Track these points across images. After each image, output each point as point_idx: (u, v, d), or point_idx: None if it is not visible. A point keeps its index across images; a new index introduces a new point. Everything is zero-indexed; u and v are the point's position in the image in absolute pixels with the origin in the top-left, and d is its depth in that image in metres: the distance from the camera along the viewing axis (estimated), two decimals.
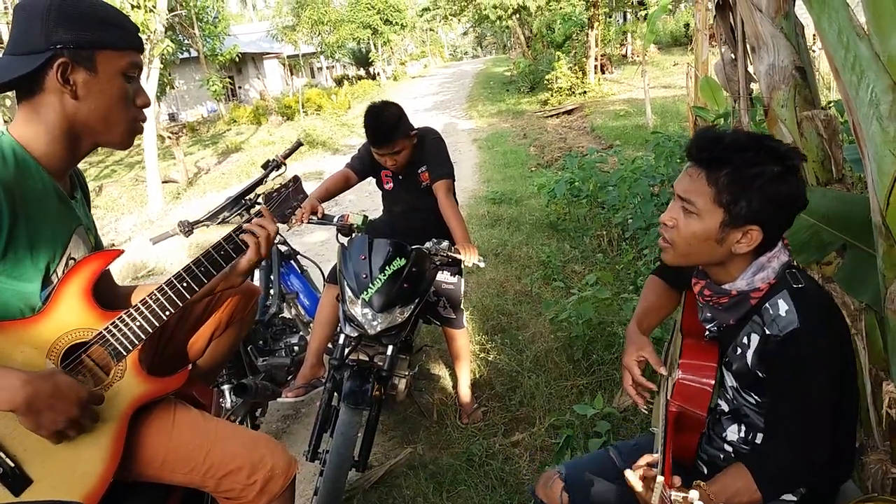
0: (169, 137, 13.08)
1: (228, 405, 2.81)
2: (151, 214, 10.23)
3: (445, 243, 2.61)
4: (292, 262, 3.57)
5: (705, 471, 1.56)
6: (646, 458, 1.25)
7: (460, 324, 3.10)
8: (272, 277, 3.38)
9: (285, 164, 3.00)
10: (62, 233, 1.38)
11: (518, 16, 21.11)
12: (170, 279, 1.46)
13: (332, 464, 2.28)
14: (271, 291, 3.38)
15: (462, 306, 3.10)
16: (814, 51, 6.70)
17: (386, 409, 3.15)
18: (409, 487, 2.71)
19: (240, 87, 29.92)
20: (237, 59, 23.58)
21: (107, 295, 1.55)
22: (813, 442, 1.30)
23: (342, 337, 2.53)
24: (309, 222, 2.71)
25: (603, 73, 17.38)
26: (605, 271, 4.18)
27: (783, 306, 1.33)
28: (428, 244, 2.59)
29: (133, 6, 9.17)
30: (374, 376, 2.47)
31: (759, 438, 1.45)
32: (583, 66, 16.19)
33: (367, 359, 2.59)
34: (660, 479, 1.12)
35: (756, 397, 1.43)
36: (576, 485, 1.66)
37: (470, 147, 11.81)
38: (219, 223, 2.85)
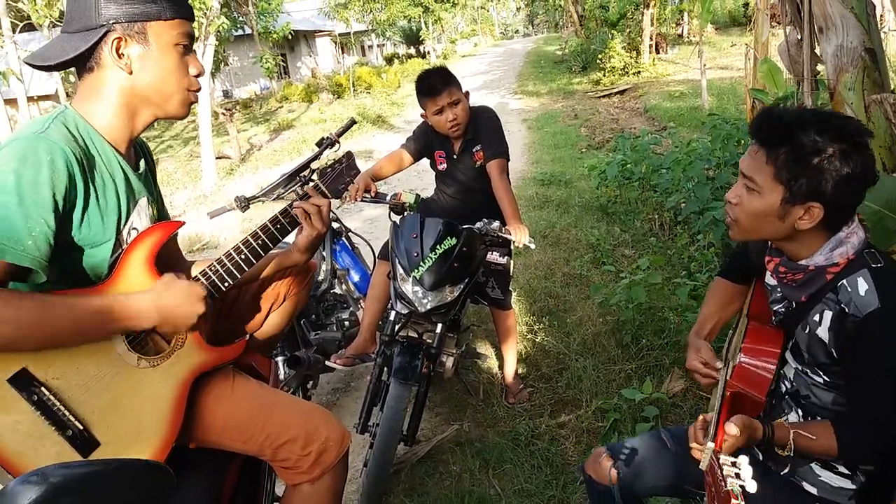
0: (223, 114, 13.33)
1: (282, 376, 2.90)
2: (205, 189, 10.47)
3: (496, 224, 2.61)
4: (343, 239, 3.62)
5: (761, 457, 1.55)
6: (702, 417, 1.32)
7: (508, 304, 3.11)
8: (324, 254, 3.43)
9: (339, 142, 3.04)
10: (126, 203, 1.43)
11: None
12: (228, 251, 1.51)
13: (382, 437, 2.33)
14: (323, 267, 3.44)
15: (510, 287, 3.11)
16: (885, 31, 6.42)
17: (433, 386, 3.19)
18: (456, 463, 2.75)
19: (292, 65, 30.22)
20: (290, 37, 23.81)
21: (173, 265, 1.60)
22: (891, 424, 1.30)
23: (393, 313, 2.57)
24: (362, 200, 2.76)
25: (658, 52, 16.98)
26: (657, 255, 4.13)
27: (863, 285, 1.32)
28: (479, 224, 2.60)
29: None
30: (424, 353, 2.50)
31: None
32: (637, 45, 15.85)
33: (416, 336, 2.62)
34: (710, 444, 1.17)
35: (825, 377, 1.42)
36: (625, 462, 1.68)
37: (519, 127, 11.72)
38: (274, 199, 2.91)
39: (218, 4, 10.79)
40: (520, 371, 3.29)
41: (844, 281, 1.34)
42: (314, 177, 1.76)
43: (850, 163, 1.29)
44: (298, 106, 20.12)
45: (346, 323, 3.31)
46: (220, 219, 4.25)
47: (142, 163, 1.56)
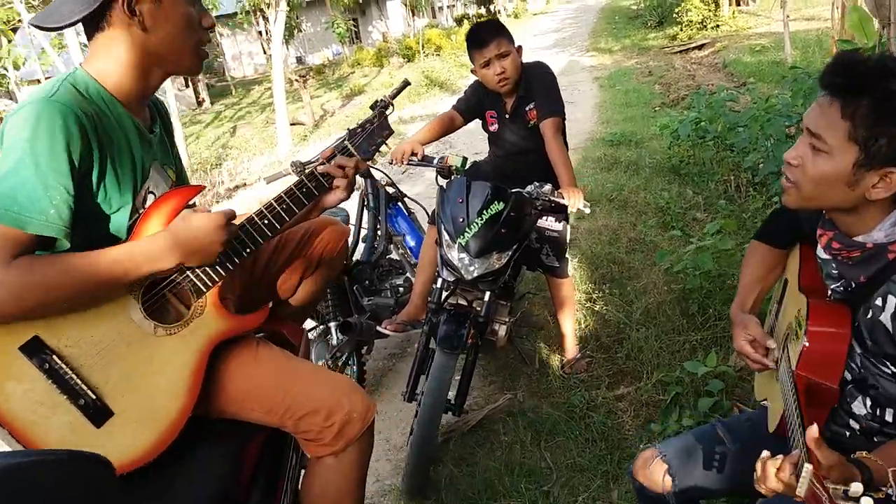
0: (297, 81, 13.49)
1: (335, 342, 2.89)
2: (280, 155, 10.67)
3: (548, 187, 2.48)
4: (399, 204, 3.57)
5: None
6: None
7: (564, 272, 2.97)
8: (380, 219, 3.40)
9: (393, 105, 2.95)
10: (142, 166, 1.40)
11: None
12: (251, 217, 1.46)
13: (426, 406, 2.27)
14: (379, 233, 3.40)
15: (567, 254, 2.98)
16: None
17: (486, 354, 3.12)
18: (507, 434, 2.69)
19: (364, 30, 30.22)
20: (360, 1, 23.72)
21: None
22: None
23: (440, 281, 2.50)
24: (409, 163, 2.69)
25: (738, 5, 15.99)
26: (729, 219, 3.89)
27: None
28: (529, 188, 2.47)
29: None
30: (471, 322, 2.42)
31: (888, 415, 1.27)
32: None
33: (465, 304, 2.55)
34: (808, 466, 0.95)
35: (892, 367, 1.24)
36: (680, 467, 1.53)
37: (590, 86, 11.32)
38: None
39: None
40: (577, 341, 3.17)
41: None
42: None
43: None
44: (370, 71, 20.13)
45: (401, 289, 3.27)
46: (278, 184, 4.28)
47: (157, 126, 1.52)
